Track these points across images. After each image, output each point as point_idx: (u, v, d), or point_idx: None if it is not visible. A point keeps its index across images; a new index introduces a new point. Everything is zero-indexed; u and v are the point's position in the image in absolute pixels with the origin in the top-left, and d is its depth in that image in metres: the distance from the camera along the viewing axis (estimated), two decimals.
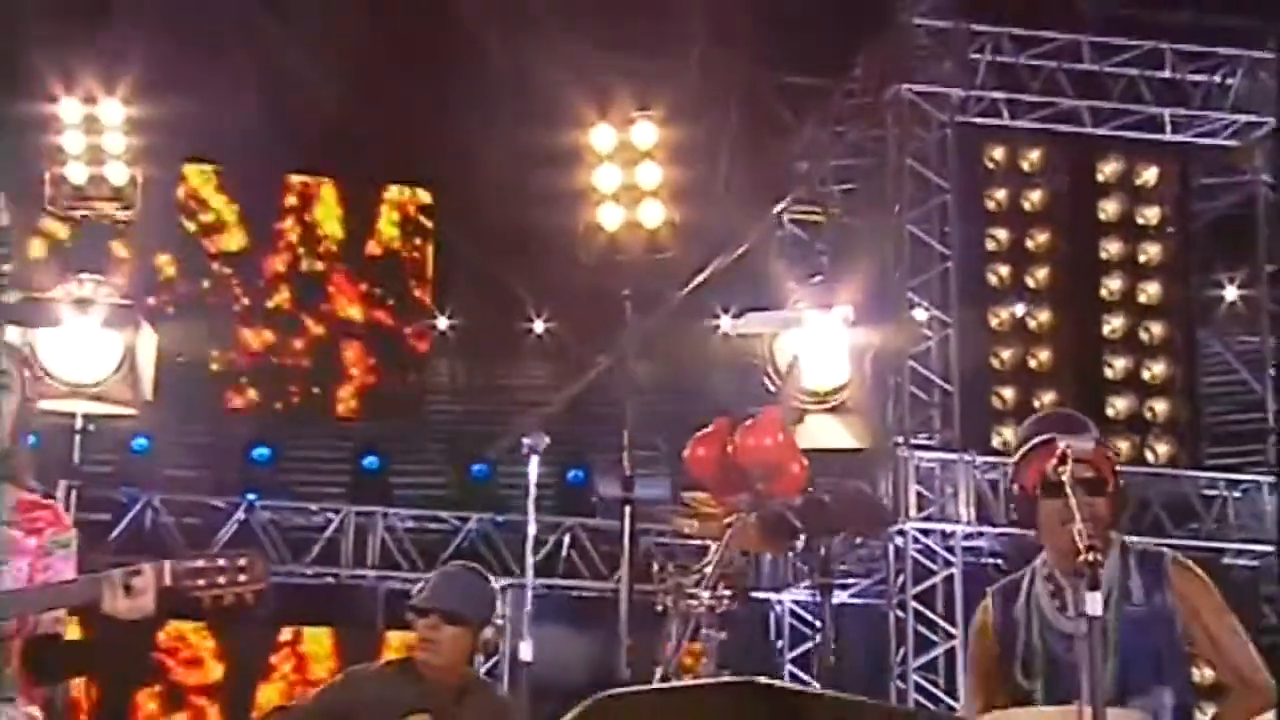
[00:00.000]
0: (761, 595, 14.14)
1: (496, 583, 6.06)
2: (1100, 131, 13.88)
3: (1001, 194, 13.81)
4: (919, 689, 12.61)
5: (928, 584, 12.89)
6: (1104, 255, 13.87)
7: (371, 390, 15.46)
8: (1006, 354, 13.53)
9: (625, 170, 8.82)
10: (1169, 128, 13.90)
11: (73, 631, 4.59)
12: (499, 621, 5.88)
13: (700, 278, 13.06)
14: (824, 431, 8.56)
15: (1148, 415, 13.60)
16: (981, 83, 13.67)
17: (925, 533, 12.97)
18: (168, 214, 14.45)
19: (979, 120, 13.76)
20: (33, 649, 4.39)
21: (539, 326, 16.01)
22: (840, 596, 13.18)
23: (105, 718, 13.69)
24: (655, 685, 4.52)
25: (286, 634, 14.43)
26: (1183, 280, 14.10)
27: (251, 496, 14.29)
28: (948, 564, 12.95)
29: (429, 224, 15.78)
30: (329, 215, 15.65)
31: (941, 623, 12.78)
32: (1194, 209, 14.42)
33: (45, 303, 8.90)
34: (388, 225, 15.72)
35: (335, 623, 14.56)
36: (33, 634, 4.39)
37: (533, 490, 5.34)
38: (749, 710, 3.19)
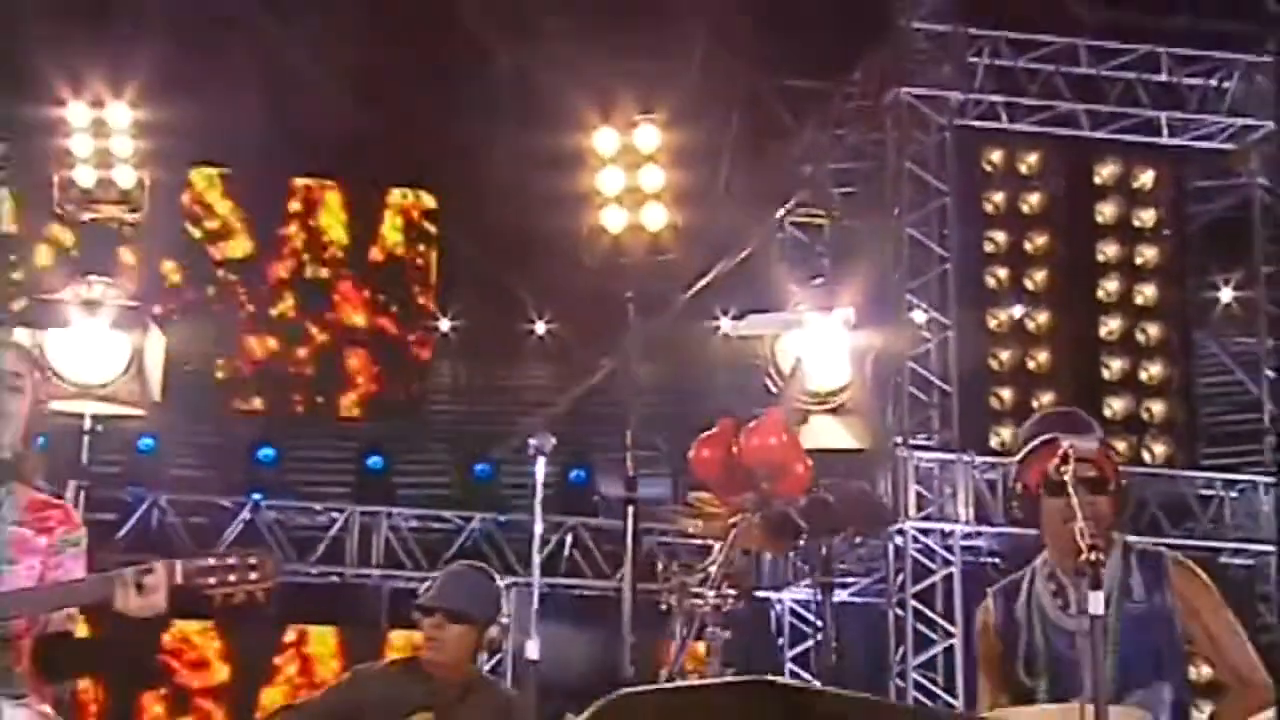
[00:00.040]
0: (761, 594, 14.14)
1: (500, 582, 6.08)
2: (1097, 135, 13.88)
3: (1000, 197, 13.82)
4: (918, 687, 12.61)
5: (927, 583, 12.89)
6: (1101, 257, 13.88)
7: (375, 398, 15.45)
8: (1005, 355, 13.54)
9: (628, 173, 8.81)
10: (1165, 131, 13.90)
11: (80, 630, 4.59)
12: (504, 620, 5.90)
13: (704, 280, 13.06)
14: (825, 432, 8.57)
15: (1145, 416, 13.61)
16: (980, 86, 13.67)
17: (924, 532, 12.97)
18: (173, 221, 14.45)
19: (977, 123, 13.76)
20: (43, 647, 4.40)
21: (540, 328, 16.04)
22: (840, 595, 13.17)
23: None
24: (669, 684, 4.51)
25: (291, 635, 14.42)
26: (1179, 282, 14.11)
27: (257, 496, 14.31)
28: (947, 563, 12.95)
29: (433, 229, 15.74)
30: (334, 220, 15.62)
31: (940, 621, 12.78)
32: (1190, 212, 14.44)
33: (54, 304, 8.91)
34: (391, 231, 15.69)
35: (340, 622, 14.56)
36: (44, 632, 4.40)
37: (539, 490, 5.34)
38: (764, 709, 3.18)
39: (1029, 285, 13.68)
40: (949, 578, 12.89)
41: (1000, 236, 13.75)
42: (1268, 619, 13.17)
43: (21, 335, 7.93)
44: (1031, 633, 5.02)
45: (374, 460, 15.03)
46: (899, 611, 12.84)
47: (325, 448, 15.62)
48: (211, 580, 4.31)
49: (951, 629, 12.71)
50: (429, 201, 15.77)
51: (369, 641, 14.09)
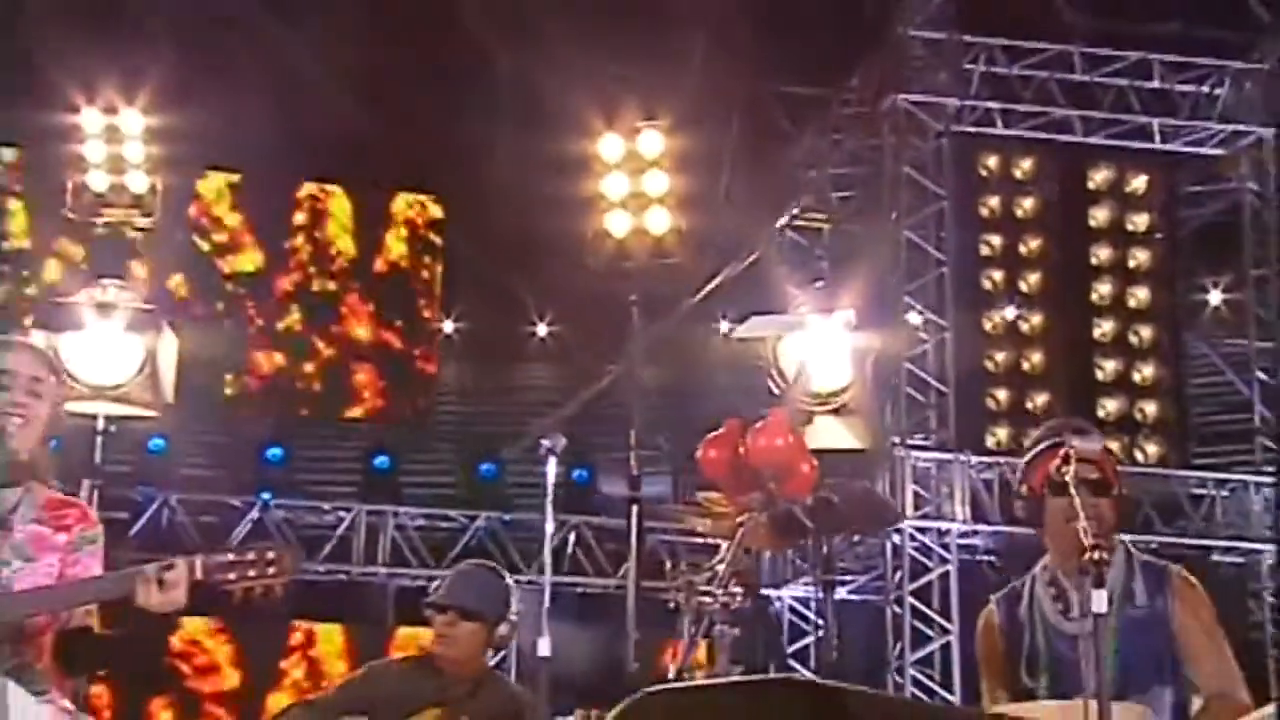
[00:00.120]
0: (762, 592, 14.11)
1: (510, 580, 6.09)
2: (1091, 140, 13.91)
3: (995, 201, 13.83)
4: (915, 683, 12.63)
5: (924, 580, 12.91)
6: (1094, 261, 13.89)
7: (381, 411, 15.45)
8: (1000, 356, 13.55)
9: (632, 178, 8.82)
10: (1158, 137, 13.92)
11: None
12: (514, 618, 5.90)
13: (711, 285, 13.05)
14: (827, 432, 8.57)
15: (1137, 416, 13.62)
16: (975, 93, 13.69)
17: (922, 531, 12.98)
18: (181, 234, 14.44)
19: (973, 129, 13.78)
20: (64, 642, 4.40)
21: (542, 330, 16.06)
22: (839, 593, 13.17)
23: None
24: (697, 681, 4.51)
25: (298, 636, 14.41)
26: (1171, 285, 14.13)
27: (265, 496, 14.32)
28: (943, 561, 12.97)
29: (439, 241, 15.69)
30: (340, 230, 15.55)
31: (937, 618, 12.80)
32: (1181, 216, 14.46)
33: (69, 307, 8.91)
34: (397, 242, 15.64)
35: (346, 619, 14.57)
36: (65, 627, 4.40)
37: (550, 490, 5.34)
38: (790, 707, 3.17)
39: (1024, 288, 13.69)
40: (945, 575, 12.91)
41: (996, 240, 13.76)
42: (1258, 616, 13.21)
43: (37, 337, 7.96)
44: (1033, 634, 5.04)
45: (380, 460, 15.04)
46: (897, 609, 12.86)
47: (333, 448, 15.63)
48: (231, 575, 4.31)
49: (948, 626, 12.72)
50: (435, 211, 15.72)
51: (375, 638, 14.12)
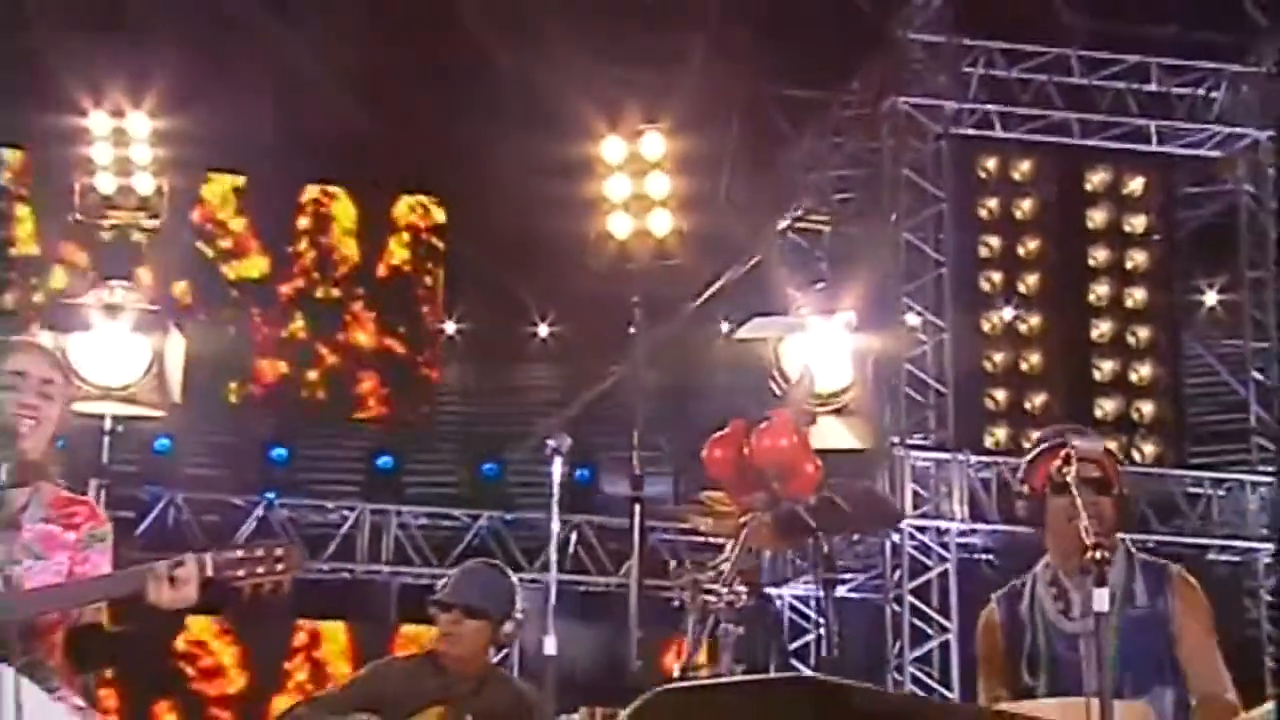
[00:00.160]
0: (764, 591, 14.12)
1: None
2: (1089, 143, 13.90)
3: (994, 203, 13.83)
4: (915, 680, 12.63)
5: (923, 579, 12.92)
6: (1092, 262, 13.89)
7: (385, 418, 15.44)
8: (998, 357, 13.54)
9: (634, 180, 8.84)
10: (1155, 139, 13.91)
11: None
12: (518, 616, 5.91)
13: (715, 287, 13.08)
14: (828, 433, 8.59)
15: (1134, 416, 13.62)
16: (974, 96, 13.69)
17: (921, 530, 12.99)
18: (186, 239, 14.43)
19: (972, 132, 13.77)
20: (74, 638, 4.42)
21: (543, 330, 16.08)
22: (839, 591, 13.16)
23: None
24: (712, 680, 4.51)
25: (302, 637, 14.41)
26: (1167, 286, 14.12)
27: (270, 495, 14.32)
28: (942, 560, 12.98)
29: (441, 245, 15.66)
30: (344, 234, 15.51)
31: (936, 616, 12.81)
32: (1178, 217, 14.44)
33: (77, 308, 8.93)
34: (399, 247, 15.61)
35: (350, 617, 14.58)
36: (75, 625, 4.42)
37: (556, 490, 5.35)
38: (807, 706, 3.17)
39: (1022, 289, 13.69)
40: (944, 574, 12.91)
41: (994, 241, 13.76)
42: (1254, 614, 13.22)
43: (45, 338, 7.98)
44: (1034, 633, 5.04)
45: (384, 460, 15.04)
46: (896, 607, 12.86)
47: (336, 448, 15.63)
48: (240, 572, 4.32)
49: (947, 624, 12.73)
50: (438, 215, 15.68)
51: (379, 636, 14.13)
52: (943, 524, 13.01)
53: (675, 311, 13.13)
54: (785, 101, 14.58)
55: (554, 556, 5.49)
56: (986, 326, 13.60)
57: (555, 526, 5.48)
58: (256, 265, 15.28)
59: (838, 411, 8.78)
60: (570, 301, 15.31)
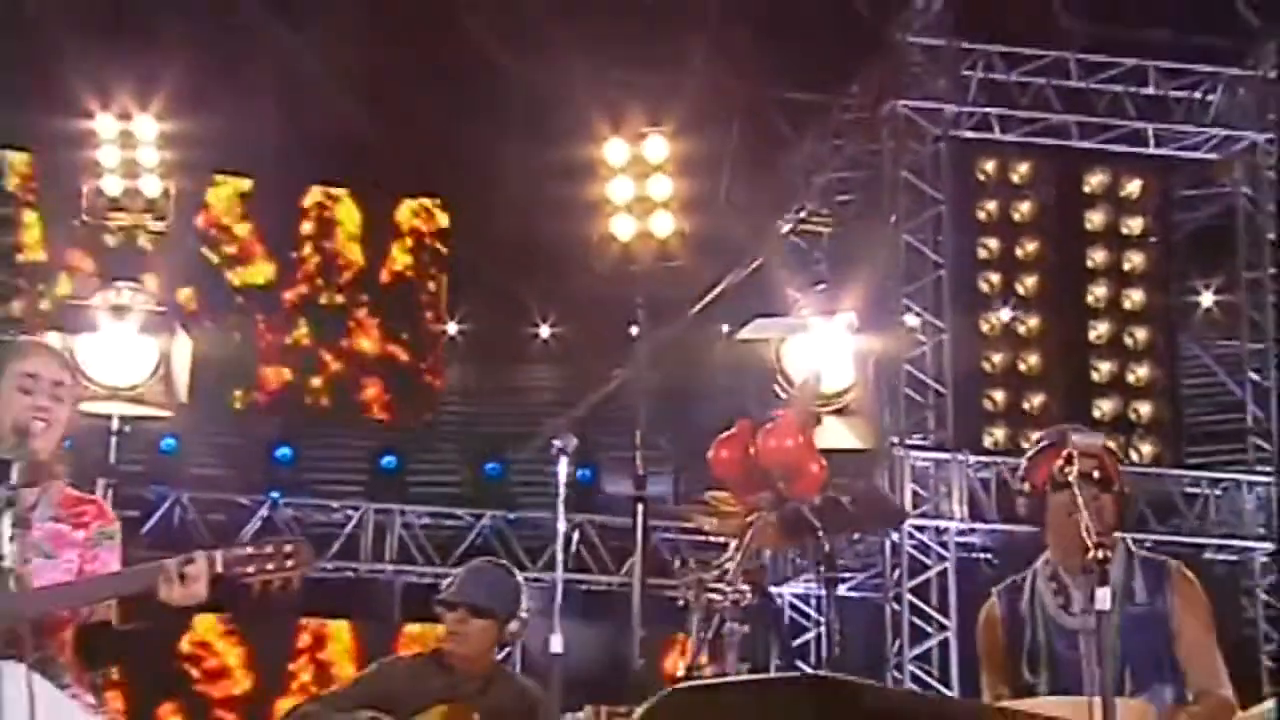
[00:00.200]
0: (768, 590, 14.12)
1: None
2: (1086, 145, 13.89)
3: (992, 205, 13.82)
4: (914, 678, 12.63)
5: (922, 578, 12.91)
6: (1090, 263, 13.88)
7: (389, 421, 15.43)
8: (997, 358, 13.54)
9: (637, 183, 8.85)
10: (1152, 142, 13.90)
11: None
12: (524, 615, 5.92)
13: (718, 289, 13.09)
14: (831, 433, 8.59)
15: (1132, 416, 13.61)
16: (973, 99, 13.68)
17: (920, 529, 12.98)
18: (191, 244, 14.41)
19: (971, 134, 13.76)
20: (85, 636, 4.43)
21: (544, 331, 16.09)
22: (839, 590, 13.17)
23: None
24: (726, 679, 4.51)
25: (306, 639, 14.40)
26: (1165, 287, 14.12)
27: (275, 494, 14.32)
28: (941, 559, 12.98)
29: (445, 250, 15.64)
30: (348, 239, 15.47)
31: (935, 615, 12.80)
32: (1176, 219, 14.44)
33: (84, 309, 8.94)
34: (402, 253, 15.58)
35: (354, 616, 14.59)
36: (86, 622, 4.43)
37: (562, 489, 5.36)
38: (822, 705, 3.17)
39: (1020, 290, 13.68)
40: (943, 573, 12.91)
41: (993, 243, 13.75)
42: (1250, 613, 13.22)
43: (53, 338, 7.99)
44: (1034, 629, 5.04)
45: (388, 460, 15.04)
46: (895, 605, 12.85)
47: (340, 448, 15.63)
48: (250, 568, 4.33)
49: (946, 622, 12.73)
50: (441, 219, 15.65)
51: (383, 634, 14.14)
52: (942, 523, 13.01)
53: (677, 313, 13.13)
54: (786, 104, 14.59)
55: (560, 555, 5.50)
56: (985, 327, 13.60)
57: (562, 526, 5.49)
58: (262, 271, 15.25)
59: (839, 412, 8.79)
60: (572, 303, 15.32)
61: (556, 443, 5.32)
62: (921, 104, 13.60)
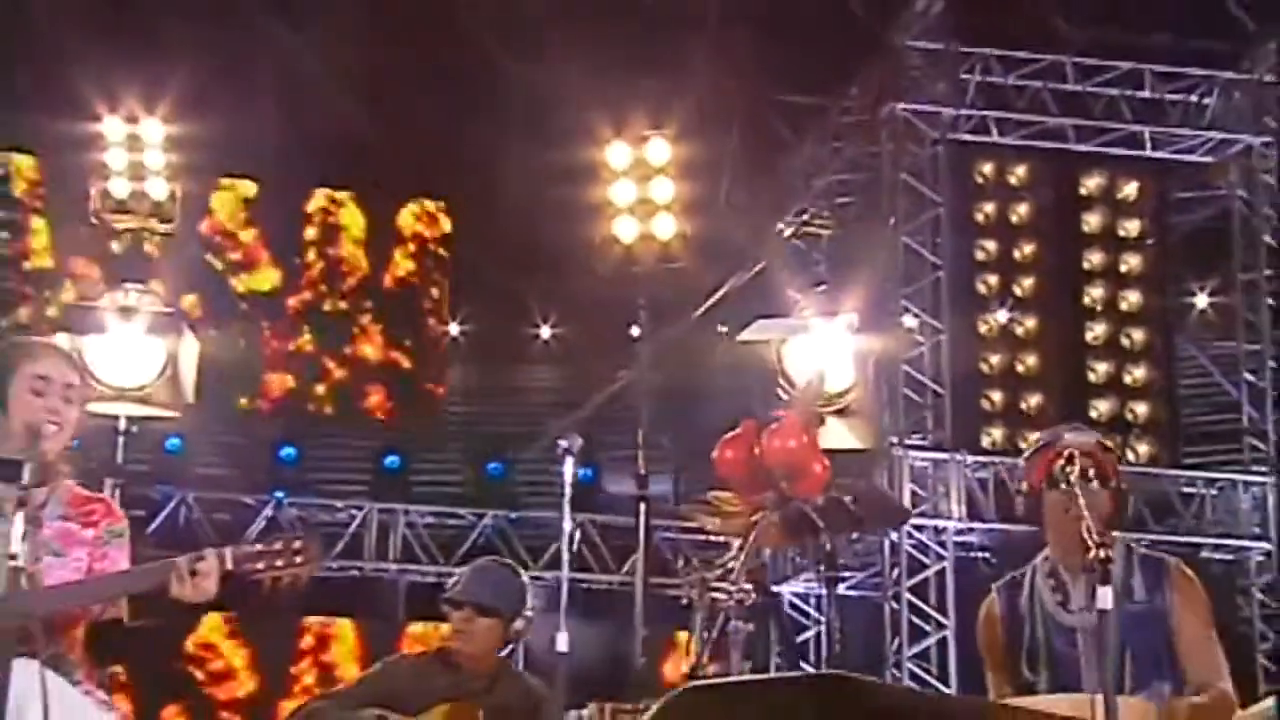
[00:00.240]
0: (771, 589, 14.13)
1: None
2: (1083, 148, 13.89)
3: (990, 207, 13.84)
4: (913, 677, 12.63)
5: (921, 577, 12.92)
6: (1087, 265, 13.90)
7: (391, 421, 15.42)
8: (995, 359, 13.55)
9: (639, 185, 8.86)
10: (1148, 144, 13.91)
11: None
12: (529, 614, 5.92)
13: (720, 292, 13.10)
14: (831, 433, 8.59)
15: (1129, 417, 13.62)
16: (971, 102, 13.68)
17: (919, 528, 12.99)
18: (196, 249, 14.40)
19: (969, 137, 13.77)
20: (95, 633, 4.44)
21: (545, 332, 16.09)
22: (838, 589, 13.17)
23: None
24: (741, 678, 4.52)
25: (309, 639, 14.39)
26: (1160, 289, 14.13)
27: (279, 494, 14.31)
28: (940, 558, 12.99)
29: (447, 255, 15.61)
30: (352, 243, 15.44)
31: (934, 614, 12.82)
32: (1172, 222, 14.44)
33: (92, 310, 8.94)
34: (405, 259, 15.54)
35: (358, 614, 14.57)
36: (97, 619, 4.44)
37: (568, 489, 5.36)
38: (834, 704, 3.17)
39: (1018, 292, 13.69)
40: (942, 572, 12.93)
41: (991, 245, 13.77)
42: (1246, 612, 13.23)
43: (61, 339, 7.99)
44: (1034, 626, 5.03)
45: (391, 459, 15.03)
46: (894, 604, 12.87)
47: (344, 447, 15.63)
48: (260, 565, 4.33)
49: (944, 621, 12.75)
50: (444, 224, 15.62)
51: (386, 633, 14.13)
52: (940, 523, 13.02)
53: (679, 314, 13.14)
54: (786, 107, 14.59)
55: (565, 554, 5.50)
56: (983, 328, 13.61)
57: (567, 525, 5.49)
58: (267, 277, 15.22)
59: (840, 412, 8.80)
60: (574, 304, 15.31)
61: (562, 443, 5.32)
62: (920, 107, 13.61)
